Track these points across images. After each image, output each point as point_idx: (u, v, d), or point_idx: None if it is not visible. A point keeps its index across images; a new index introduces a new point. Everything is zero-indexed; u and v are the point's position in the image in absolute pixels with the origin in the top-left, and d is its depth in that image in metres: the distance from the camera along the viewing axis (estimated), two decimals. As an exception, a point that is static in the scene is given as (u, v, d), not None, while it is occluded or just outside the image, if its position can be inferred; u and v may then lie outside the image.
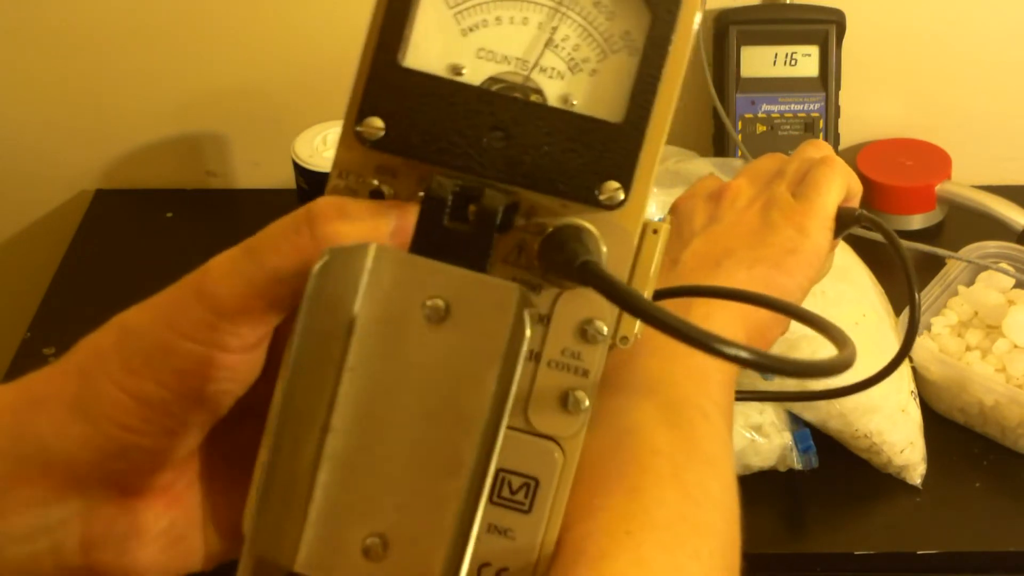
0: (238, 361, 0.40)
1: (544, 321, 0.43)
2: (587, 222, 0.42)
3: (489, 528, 0.43)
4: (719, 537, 0.46)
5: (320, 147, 1.13)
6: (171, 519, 0.42)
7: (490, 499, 0.43)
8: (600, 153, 0.41)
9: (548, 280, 0.42)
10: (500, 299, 0.38)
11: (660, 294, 0.46)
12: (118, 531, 0.41)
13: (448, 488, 0.38)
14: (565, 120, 0.41)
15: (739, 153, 1.16)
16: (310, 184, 1.12)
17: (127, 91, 1.24)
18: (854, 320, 0.92)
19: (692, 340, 0.37)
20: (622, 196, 0.41)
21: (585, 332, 0.43)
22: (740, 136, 1.19)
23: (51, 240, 1.28)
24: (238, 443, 0.43)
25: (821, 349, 0.87)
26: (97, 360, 0.40)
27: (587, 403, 0.43)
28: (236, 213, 1.27)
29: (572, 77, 0.42)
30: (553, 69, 0.42)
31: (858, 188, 0.66)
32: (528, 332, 0.38)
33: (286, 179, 1.16)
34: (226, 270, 0.40)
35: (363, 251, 0.38)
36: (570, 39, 0.42)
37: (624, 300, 0.38)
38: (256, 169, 1.29)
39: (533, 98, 0.41)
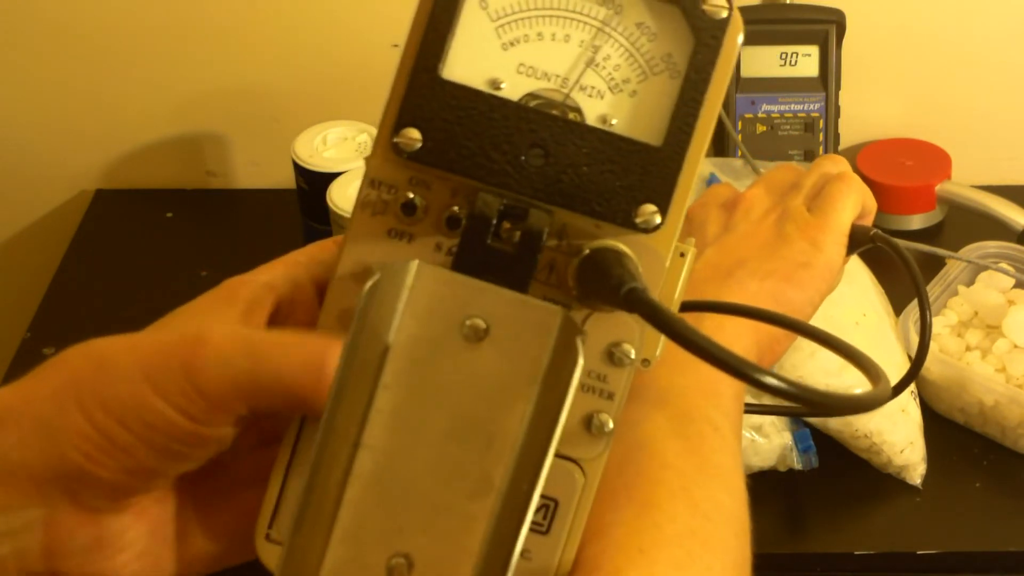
0: (208, 432, 0.40)
1: None
2: (621, 244, 0.41)
3: None
4: (730, 552, 0.46)
5: (320, 147, 1.13)
6: (137, 533, 0.42)
7: None
8: (639, 176, 0.40)
9: (580, 301, 0.42)
10: (542, 321, 0.38)
11: (683, 307, 0.46)
12: (81, 541, 0.41)
13: (475, 510, 0.38)
14: (605, 141, 0.40)
15: (739, 153, 1.16)
16: (310, 184, 1.12)
17: (127, 91, 1.24)
18: (854, 320, 0.92)
19: (738, 372, 0.36)
20: (658, 220, 0.40)
21: (612, 355, 0.42)
22: (740, 136, 1.19)
23: (51, 240, 1.28)
24: (217, 460, 0.43)
25: (820, 349, 0.87)
26: (73, 387, 0.40)
27: (611, 426, 0.42)
28: (236, 213, 1.27)
29: (612, 97, 0.41)
30: (593, 88, 0.41)
31: (873, 206, 0.66)
32: (581, 361, 0.37)
33: (286, 179, 1.16)
34: (222, 357, 0.39)
35: (405, 269, 0.38)
36: (611, 59, 0.41)
37: (673, 330, 0.37)
38: (256, 169, 1.29)
39: (572, 116, 0.41)
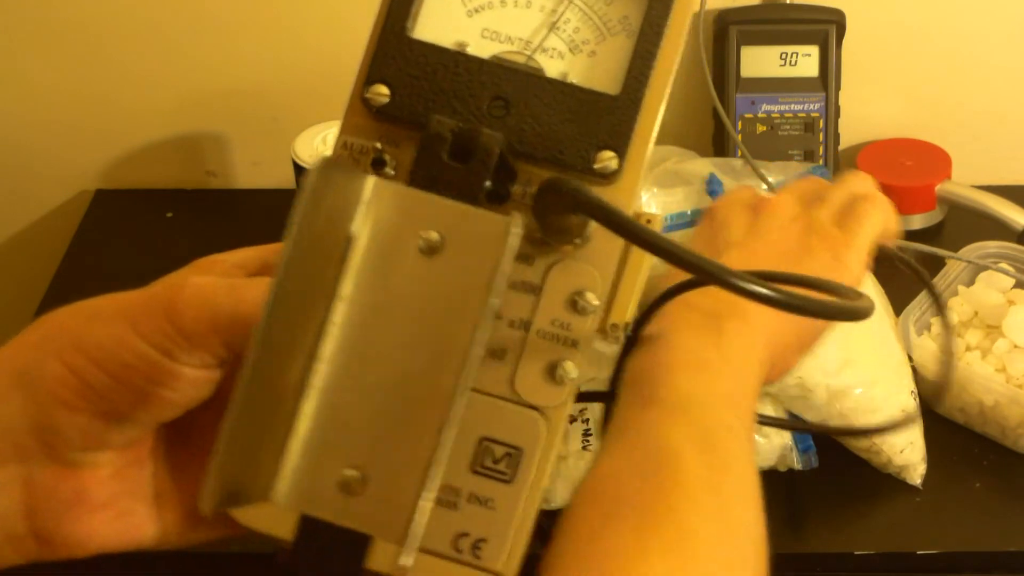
0: (183, 373, 0.41)
1: (535, 292, 0.44)
2: None
3: (470, 498, 0.43)
4: (748, 569, 0.45)
5: (320, 147, 1.13)
6: (114, 492, 0.43)
7: (473, 469, 0.43)
8: (597, 123, 0.42)
9: (542, 240, 0.43)
10: (493, 231, 0.39)
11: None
12: (60, 499, 0.42)
13: (427, 420, 0.39)
14: (564, 92, 0.42)
15: (739, 153, 1.16)
16: (310, 184, 1.12)
17: (127, 91, 1.24)
18: (854, 320, 0.92)
19: (704, 272, 0.37)
20: (615, 165, 0.42)
21: (575, 303, 0.43)
22: (740, 136, 1.19)
23: (51, 240, 1.28)
24: (197, 425, 0.44)
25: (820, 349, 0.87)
26: (54, 337, 0.42)
27: (574, 374, 0.43)
28: (236, 213, 1.27)
29: (572, 57, 0.43)
30: (554, 50, 0.43)
31: (895, 228, 0.66)
32: (515, 231, 0.39)
33: (286, 179, 1.16)
34: (202, 297, 0.41)
35: (361, 181, 0.39)
36: (571, 22, 0.43)
37: (620, 225, 0.39)
38: (256, 169, 1.29)
39: None
